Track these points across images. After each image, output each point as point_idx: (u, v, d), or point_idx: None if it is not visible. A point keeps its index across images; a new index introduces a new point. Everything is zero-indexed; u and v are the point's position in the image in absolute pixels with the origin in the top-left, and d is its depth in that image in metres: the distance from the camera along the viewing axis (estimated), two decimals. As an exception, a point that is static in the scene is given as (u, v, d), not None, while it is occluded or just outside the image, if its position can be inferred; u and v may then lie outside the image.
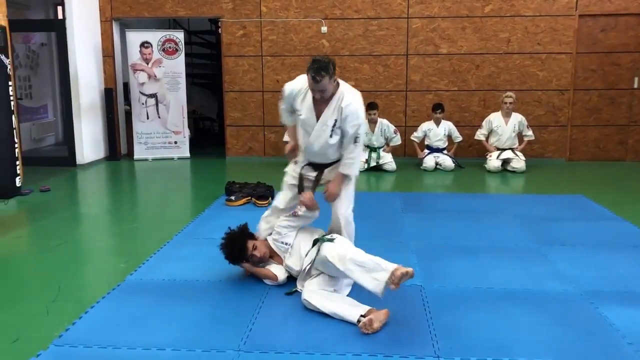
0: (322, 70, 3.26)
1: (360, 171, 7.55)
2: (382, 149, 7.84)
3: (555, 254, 4.14)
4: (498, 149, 7.76)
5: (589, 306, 3.26)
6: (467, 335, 2.93)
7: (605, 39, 8.20)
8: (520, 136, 7.84)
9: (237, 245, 3.54)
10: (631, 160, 8.39)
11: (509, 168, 7.65)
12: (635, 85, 8.25)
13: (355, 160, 3.54)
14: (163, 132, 8.88)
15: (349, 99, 3.40)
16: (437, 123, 7.97)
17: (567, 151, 8.48)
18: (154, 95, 8.79)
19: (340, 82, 3.51)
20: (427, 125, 8.02)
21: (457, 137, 8.02)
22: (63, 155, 8.42)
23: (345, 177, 3.57)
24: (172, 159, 8.88)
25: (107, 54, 8.85)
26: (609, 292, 3.45)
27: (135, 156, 8.85)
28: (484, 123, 7.92)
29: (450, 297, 3.41)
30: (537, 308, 3.24)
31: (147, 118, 8.81)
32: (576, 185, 6.96)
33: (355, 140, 3.45)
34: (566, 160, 8.48)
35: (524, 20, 8.18)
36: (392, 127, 7.92)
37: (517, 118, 7.72)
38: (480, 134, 7.96)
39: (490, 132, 7.85)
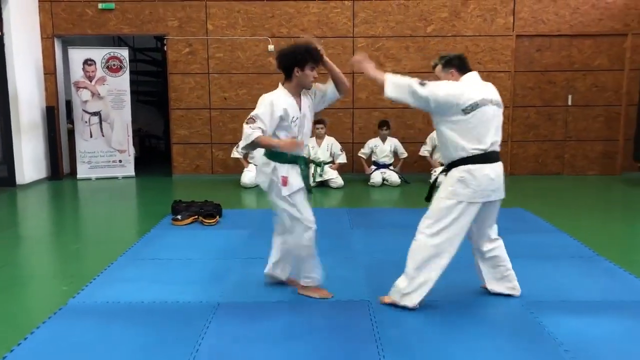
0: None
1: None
2: (327, 164, 7.91)
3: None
4: (442, 165, 7.94)
5: (529, 316, 3.37)
6: (413, 348, 2.98)
7: (541, 59, 8.57)
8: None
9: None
10: (568, 174, 8.76)
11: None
12: (570, 103, 8.64)
13: None
14: (107, 150, 8.70)
15: None
16: (383, 140, 8.12)
17: (508, 166, 8.77)
18: (97, 114, 8.62)
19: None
20: (373, 142, 8.17)
21: (403, 153, 8.19)
22: (2, 176, 8.11)
23: None
24: (117, 178, 8.71)
25: (49, 72, 8.63)
26: (548, 302, 3.58)
27: (79, 175, 8.63)
28: (428, 139, 8.12)
29: (397, 311, 3.46)
30: (480, 319, 3.33)
31: (91, 136, 8.62)
32: (516, 198, 7.18)
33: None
34: (507, 174, 8.74)
35: (464, 39, 8.47)
36: (338, 146, 8.03)
37: (460, 134, 7.96)
38: (424, 150, 8.16)
39: (434, 148, 8.06)
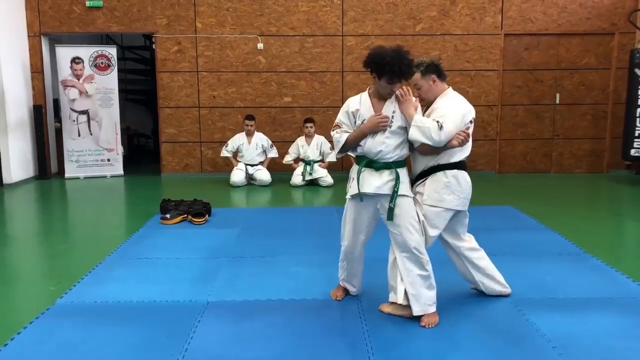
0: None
1: (297, 186, 7.71)
2: (317, 163, 7.91)
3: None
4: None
5: (517, 313, 3.39)
6: (402, 346, 2.99)
7: (529, 57, 8.62)
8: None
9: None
10: (555, 172, 8.82)
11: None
12: (557, 101, 8.70)
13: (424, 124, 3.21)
14: (95, 149, 8.65)
15: None
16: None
17: (496, 164, 8.82)
18: (85, 112, 8.57)
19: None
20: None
21: (392, 151, 8.18)
22: (-12, 175, 8.06)
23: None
24: (105, 177, 8.66)
25: (36, 70, 8.56)
26: (536, 299, 3.61)
27: (67, 175, 8.57)
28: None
29: (386, 309, 3.47)
30: (469, 317, 3.34)
31: (79, 135, 8.56)
32: (505, 196, 7.23)
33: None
34: (496, 172, 8.81)
35: (453, 38, 8.49)
36: (328, 144, 8.03)
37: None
38: (414, 149, 8.16)
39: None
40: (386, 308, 3.40)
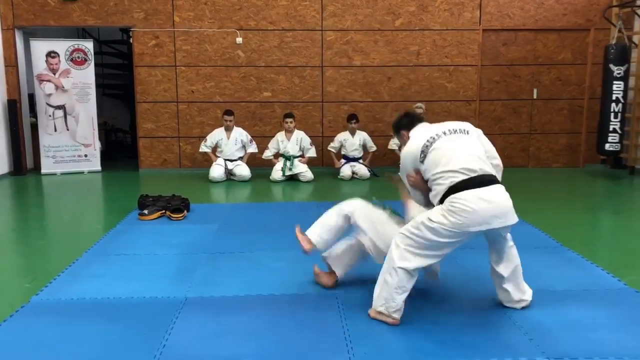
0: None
1: (277, 181, 7.69)
2: (297, 158, 7.90)
3: (465, 258, 4.32)
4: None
5: (497, 306, 3.42)
6: (381, 340, 3.00)
7: (507, 53, 8.69)
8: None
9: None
10: (533, 167, 8.92)
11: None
12: (535, 96, 8.79)
13: None
14: (72, 145, 8.53)
15: None
16: (352, 133, 8.14)
17: (475, 159, 8.86)
18: (62, 107, 8.44)
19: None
20: (342, 136, 8.18)
21: (372, 146, 8.22)
22: (-39, 171, 7.91)
23: None
24: (82, 172, 8.55)
25: (10, 64, 8.41)
26: (512, 292, 3.64)
27: (43, 170, 8.44)
28: (397, 133, 8.16)
29: (365, 304, 3.47)
30: (448, 311, 3.36)
31: (55, 130, 8.44)
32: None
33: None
34: (475, 167, 8.86)
35: (432, 33, 8.53)
36: (307, 139, 8.03)
37: (428, 128, 8.01)
38: (393, 144, 8.21)
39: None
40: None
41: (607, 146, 7.88)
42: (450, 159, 3.08)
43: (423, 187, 3.26)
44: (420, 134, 3.28)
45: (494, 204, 3.03)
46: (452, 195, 3.01)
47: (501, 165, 3.36)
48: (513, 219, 3.11)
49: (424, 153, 3.15)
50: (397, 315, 3.16)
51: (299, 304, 3.50)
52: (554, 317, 3.27)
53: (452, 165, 3.06)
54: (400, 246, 3.11)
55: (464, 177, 3.03)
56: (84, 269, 4.15)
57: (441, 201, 3.06)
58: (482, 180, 3.04)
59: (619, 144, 7.87)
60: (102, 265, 4.21)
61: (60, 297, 3.61)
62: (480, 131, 3.36)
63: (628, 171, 8.25)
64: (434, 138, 3.17)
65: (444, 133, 3.19)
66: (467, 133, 3.25)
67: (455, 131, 3.22)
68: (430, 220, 3.03)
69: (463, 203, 2.97)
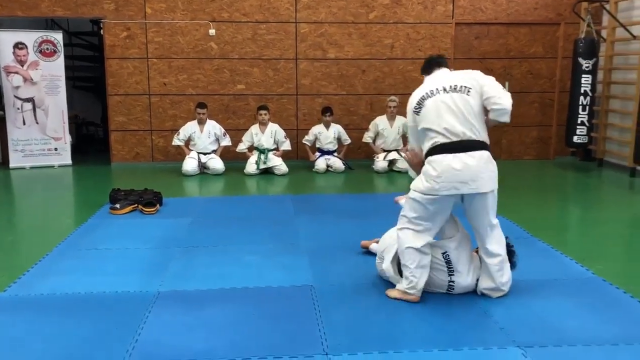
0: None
1: (251, 174, 7.66)
2: (271, 151, 7.87)
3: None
4: (384, 151, 8.06)
5: (467, 296, 3.46)
6: (355, 331, 3.02)
7: (479, 46, 8.77)
8: (405, 138, 8.18)
9: None
10: (505, 159, 9.02)
11: (395, 168, 7.96)
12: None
13: None
14: (42, 138, 8.37)
15: None
16: (327, 126, 8.14)
17: (448, 151, 8.94)
18: (30, 100, 8.26)
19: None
20: (317, 129, 8.18)
21: (346, 139, 8.24)
22: None
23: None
24: (53, 166, 8.39)
25: (-24, 55, 8.20)
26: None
27: (11, 164, 8.26)
28: (370, 126, 8.19)
29: (340, 296, 3.50)
30: (420, 300, 3.39)
31: (24, 124, 8.26)
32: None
33: None
34: (448, 160, 8.94)
35: (405, 27, 8.56)
36: (282, 132, 8.00)
37: (401, 121, 8.03)
38: (367, 137, 8.23)
39: (377, 135, 8.14)
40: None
41: (576, 139, 8.02)
42: (438, 117, 3.24)
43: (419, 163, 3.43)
44: (426, 83, 3.46)
45: (462, 170, 3.18)
46: (429, 158, 3.25)
47: (504, 105, 3.29)
48: (485, 186, 3.25)
49: (419, 105, 3.35)
50: (418, 293, 3.35)
51: (273, 296, 3.51)
52: (524, 307, 3.32)
53: (438, 124, 3.24)
54: (402, 227, 3.38)
55: (445, 140, 3.21)
56: (55, 264, 4.09)
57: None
58: (460, 146, 3.19)
59: (587, 137, 8.02)
60: (73, 260, 4.15)
61: (30, 292, 3.55)
62: (489, 79, 3.39)
63: (596, 163, 8.41)
64: (432, 92, 3.33)
65: (444, 89, 3.32)
66: (469, 92, 3.29)
67: (456, 88, 3.30)
68: (412, 191, 3.32)
69: (433, 166, 3.21)
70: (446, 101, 3.27)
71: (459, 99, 3.28)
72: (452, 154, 3.18)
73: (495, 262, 3.40)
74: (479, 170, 3.22)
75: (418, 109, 3.34)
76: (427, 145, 3.29)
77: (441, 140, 3.21)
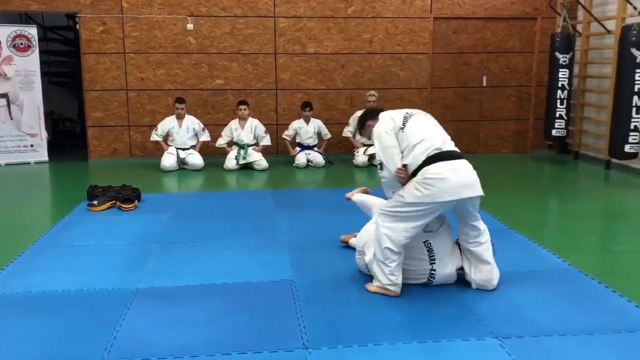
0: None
1: (230, 170, 7.63)
2: (251, 147, 7.85)
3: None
4: (364, 145, 8.08)
5: (447, 291, 3.49)
6: (335, 325, 3.03)
7: (457, 41, 8.82)
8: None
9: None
10: (482, 153, 9.10)
11: (375, 163, 7.96)
12: (484, 84, 8.96)
13: None
14: (17, 134, 8.24)
15: None
16: (307, 121, 8.13)
17: (427, 145, 8.99)
18: (4, 95, 8.12)
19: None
20: (297, 124, 8.16)
21: (326, 134, 8.24)
22: None
23: None
24: (29, 163, 8.26)
25: (-53, 50, 8.03)
26: (461, 274, 3.72)
27: (-15, 161, 8.13)
28: (350, 120, 8.20)
29: (319, 290, 3.50)
30: (401, 296, 3.41)
31: (-2, 120, 8.12)
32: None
33: None
34: (427, 154, 8.99)
35: (384, 21, 8.57)
36: (262, 128, 7.98)
37: (381, 115, 8.07)
38: (347, 131, 8.25)
39: (357, 129, 8.15)
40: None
41: (554, 132, 8.12)
42: (426, 130, 3.38)
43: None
44: (389, 112, 3.52)
45: (463, 175, 3.32)
46: (425, 168, 3.26)
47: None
48: (480, 190, 3.39)
49: (405, 119, 3.40)
50: (398, 289, 3.38)
51: (253, 291, 3.50)
52: (501, 298, 3.37)
53: (429, 136, 3.36)
54: (384, 225, 3.35)
55: (437, 150, 3.31)
56: (31, 261, 4.04)
57: (414, 174, 3.29)
58: (450, 155, 3.35)
59: (565, 130, 8.12)
60: (50, 258, 4.10)
61: (5, 291, 3.50)
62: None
63: (573, 156, 8.52)
64: (408, 113, 3.45)
65: (415, 113, 3.48)
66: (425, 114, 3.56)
67: (421, 113, 3.53)
68: (404, 195, 3.30)
69: (435, 172, 3.23)
70: (423, 119, 3.47)
71: (429, 117, 3.54)
72: (450, 161, 3.32)
73: (484, 239, 3.50)
74: (473, 175, 3.40)
75: (403, 127, 3.36)
76: (419, 159, 3.28)
77: (435, 150, 3.32)
